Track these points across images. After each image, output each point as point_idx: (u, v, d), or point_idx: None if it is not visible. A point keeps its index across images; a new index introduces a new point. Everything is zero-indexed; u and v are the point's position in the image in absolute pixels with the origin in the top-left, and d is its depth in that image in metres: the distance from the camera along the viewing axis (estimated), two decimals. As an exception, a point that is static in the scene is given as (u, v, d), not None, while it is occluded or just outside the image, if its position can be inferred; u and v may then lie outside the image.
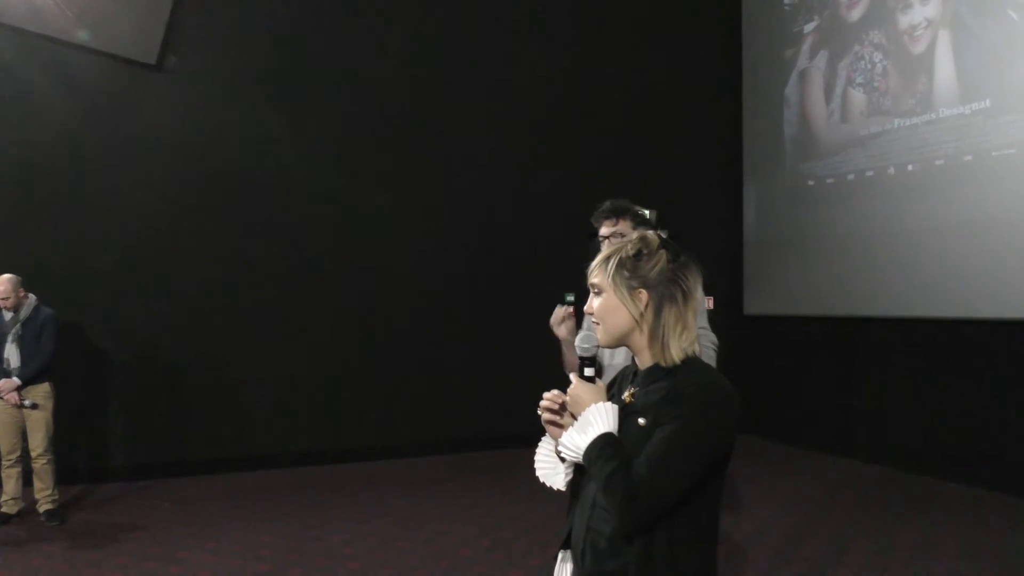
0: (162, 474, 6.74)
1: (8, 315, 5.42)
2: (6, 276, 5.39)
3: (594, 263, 1.78)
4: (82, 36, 6.50)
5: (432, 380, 7.74)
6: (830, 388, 7.89)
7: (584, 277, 1.85)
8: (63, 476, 5.80)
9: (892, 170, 7.21)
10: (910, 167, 7.03)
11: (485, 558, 4.70)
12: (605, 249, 1.82)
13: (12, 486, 5.49)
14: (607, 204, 3.21)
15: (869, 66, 7.50)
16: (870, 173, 7.46)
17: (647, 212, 9.13)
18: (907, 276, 6.98)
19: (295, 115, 7.37)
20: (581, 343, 1.84)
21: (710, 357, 2.89)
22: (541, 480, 1.92)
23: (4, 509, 5.47)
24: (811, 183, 8.20)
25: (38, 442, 5.44)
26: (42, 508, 5.50)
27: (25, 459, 5.50)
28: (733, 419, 1.67)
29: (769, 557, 4.72)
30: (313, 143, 7.43)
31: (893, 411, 7.19)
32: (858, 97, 7.64)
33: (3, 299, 5.34)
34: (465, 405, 7.85)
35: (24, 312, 5.45)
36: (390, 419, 7.59)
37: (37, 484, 5.48)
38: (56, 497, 5.54)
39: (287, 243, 7.31)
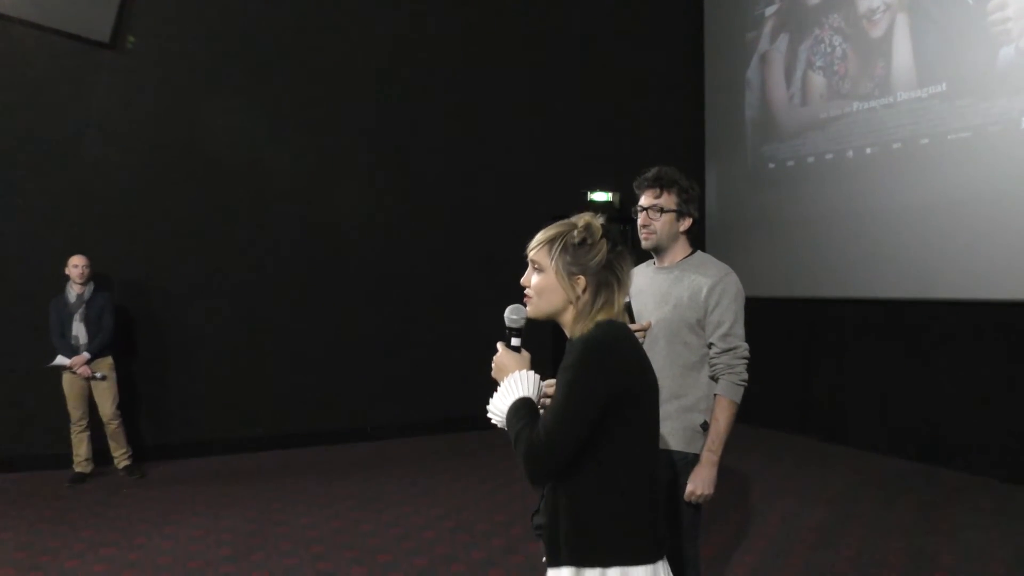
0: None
1: (74, 296, 6.03)
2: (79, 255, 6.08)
3: (538, 239, 1.86)
4: (30, 12, 6.29)
5: (395, 364, 7.71)
6: (790, 368, 8.00)
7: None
8: (17, 464, 5.75)
9: (851, 153, 7.31)
10: (868, 150, 7.13)
11: (449, 539, 4.70)
12: (550, 229, 1.85)
13: (84, 449, 6.12)
14: (652, 172, 2.82)
15: (829, 49, 7.57)
16: (830, 156, 7.55)
17: (609, 195, 9.18)
18: (866, 258, 7.09)
19: (259, 96, 7.25)
20: (510, 315, 1.92)
21: (743, 380, 2.69)
22: None
23: (79, 469, 6.10)
24: (772, 166, 8.27)
25: (108, 409, 6.13)
26: (121, 465, 6.23)
27: (93, 426, 6.14)
28: (614, 366, 1.72)
29: (731, 531, 4.80)
30: (279, 127, 7.32)
31: (851, 390, 7.33)
32: (818, 80, 7.71)
33: (84, 268, 6.01)
34: (428, 388, 7.83)
35: (88, 292, 6.07)
36: (353, 403, 7.55)
37: (112, 445, 6.19)
38: (131, 454, 6.29)
39: (250, 228, 7.21)
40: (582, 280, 1.80)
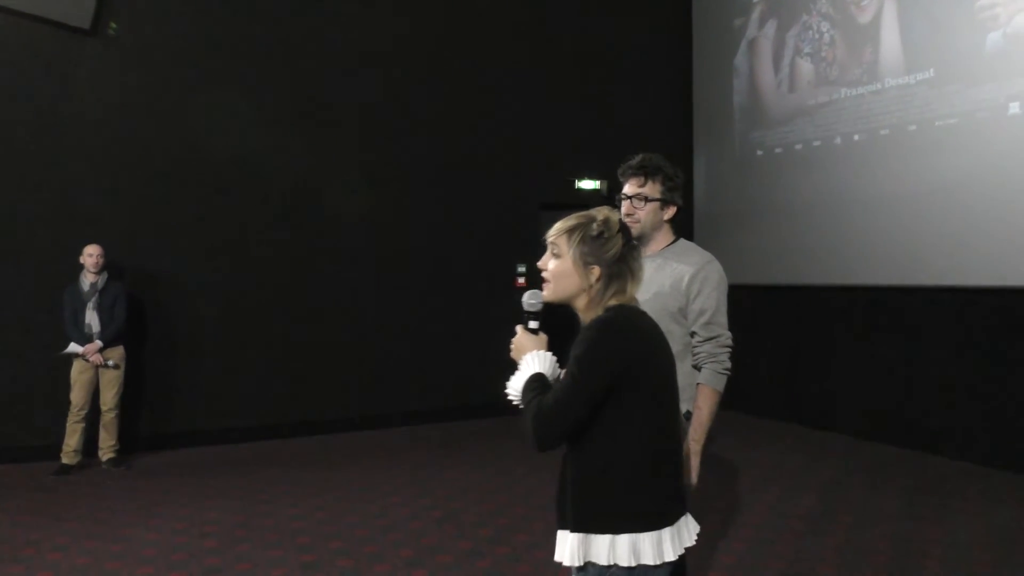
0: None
1: (87, 285, 6.05)
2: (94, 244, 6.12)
3: (559, 227, 1.96)
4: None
5: (383, 353, 7.67)
6: (777, 355, 8.01)
7: (537, 249, 2.00)
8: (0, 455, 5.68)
9: (839, 140, 7.29)
10: (856, 137, 7.12)
11: (435, 530, 4.68)
12: (571, 218, 1.96)
13: (76, 440, 6.04)
14: (637, 159, 2.79)
15: (817, 36, 7.54)
16: (817, 143, 7.53)
17: (597, 183, 9.14)
18: (853, 245, 7.09)
19: (248, 82, 7.16)
20: (528, 299, 2.02)
21: (726, 369, 2.64)
22: None
23: (66, 460, 6.01)
24: (760, 153, 8.25)
25: (110, 398, 6.14)
26: (106, 457, 6.16)
27: (90, 416, 6.10)
28: (622, 343, 1.83)
29: (718, 519, 4.80)
30: (272, 114, 7.25)
31: (839, 378, 7.35)
32: (806, 67, 7.68)
33: (99, 257, 6.05)
34: (416, 378, 7.79)
35: (101, 281, 6.09)
36: (340, 393, 7.51)
37: (103, 436, 6.16)
38: (118, 447, 6.22)
39: (251, 219, 7.15)
40: (596, 270, 1.91)
